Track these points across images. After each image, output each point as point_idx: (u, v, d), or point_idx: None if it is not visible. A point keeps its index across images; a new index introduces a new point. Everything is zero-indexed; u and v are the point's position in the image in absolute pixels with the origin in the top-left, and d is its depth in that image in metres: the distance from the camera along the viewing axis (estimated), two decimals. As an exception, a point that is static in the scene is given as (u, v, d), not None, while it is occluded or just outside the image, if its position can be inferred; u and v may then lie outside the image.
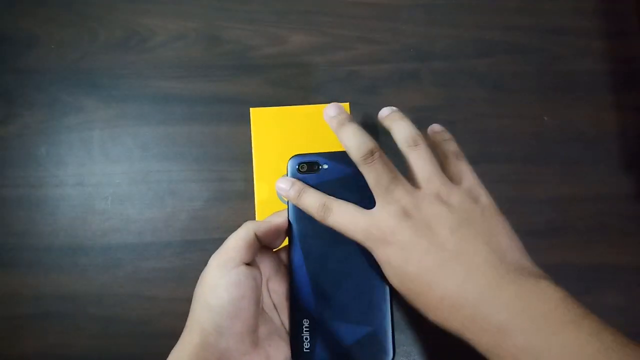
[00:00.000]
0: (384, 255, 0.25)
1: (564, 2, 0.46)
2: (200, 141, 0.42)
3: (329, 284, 0.27)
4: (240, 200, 0.41)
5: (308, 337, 0.27)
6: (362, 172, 0.26)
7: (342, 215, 0.26)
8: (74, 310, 0.39)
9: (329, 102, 0.39)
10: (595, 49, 0.45)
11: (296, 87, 0.43)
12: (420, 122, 0.43)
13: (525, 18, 0.45)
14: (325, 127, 0.38)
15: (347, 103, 0.39)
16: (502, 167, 0.42)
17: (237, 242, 0.26)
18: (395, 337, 0.38)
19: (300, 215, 0.28)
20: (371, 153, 0.25)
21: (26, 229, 0.40)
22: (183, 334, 0.26)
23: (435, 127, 0.31)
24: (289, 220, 0.28)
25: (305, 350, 0.27)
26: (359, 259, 0.27)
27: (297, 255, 0.28)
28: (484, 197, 0.26)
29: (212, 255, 0.26)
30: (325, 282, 0.27)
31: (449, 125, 0.43)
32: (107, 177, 0.41)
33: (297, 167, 0.28)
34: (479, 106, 0.43)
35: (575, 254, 0.41)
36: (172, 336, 0.37)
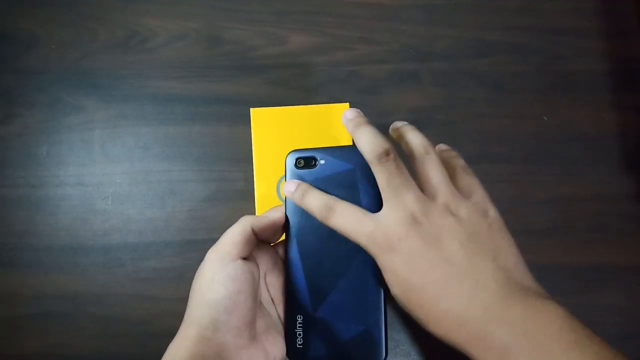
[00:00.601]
0: (388, 262, 0.24)
1: (564, 2, 0.46)
2: (200, 141, 0.42)
3: (324, 281, 0.27)
4: (240, 200, 0.41)
5: (301, 333, 0.27)
6: (374, 172, 0.26)
7: (346, 217, 0.25)
8: (74, 310, 0.39)
9: (329, 102, 0.40)
10: (595, 49, 0.45)
11: (296, 87, 0.43)
12: (421, 122, 0.43)
13: (525, 18, 0.45)
14: (325, 127, 0.39)
15: (347, 103, 0.39)
16: (502, 167, 0.42)
17: (233, 236, 0.26)
18: (395, 337, 0.38)
19: (298, 210, 0.28)
20: (386, 153, 0.25)
21: (26, 229, 0.40)
22: (180, 328, 0.26)
23: (441, 146, 0.31)
24: (286, 215, 0.28)
25: (298, 346, 0.27)
26: (356, 257, 0.27)
27: (294, 251, 0.28)
28: (492, 212, 0.26)
29: (209, 250, 0.27)
30: (321, 279, 0.27)
31: (449, 125, 0.43)
32: (107, 177, 0.41)
33: (294, 162, 0.28)
34: (479, 106, 0.43)
35: (575, 254, 0.41)
36: (172, 336, 0.37)
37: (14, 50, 0.43)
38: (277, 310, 0.28)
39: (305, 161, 0.28)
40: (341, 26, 0.44)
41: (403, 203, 0.24)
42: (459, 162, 0.29)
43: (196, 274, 0.26)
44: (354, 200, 0.26)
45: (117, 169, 0.41)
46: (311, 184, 0.28)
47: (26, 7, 0.44)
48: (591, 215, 0.42)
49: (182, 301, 0.40)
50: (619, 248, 0.41)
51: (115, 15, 0.44)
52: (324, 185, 0.27)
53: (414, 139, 0.28)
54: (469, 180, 0.27)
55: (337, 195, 0.27)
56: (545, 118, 0.43)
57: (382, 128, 0.43)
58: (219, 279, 0.25)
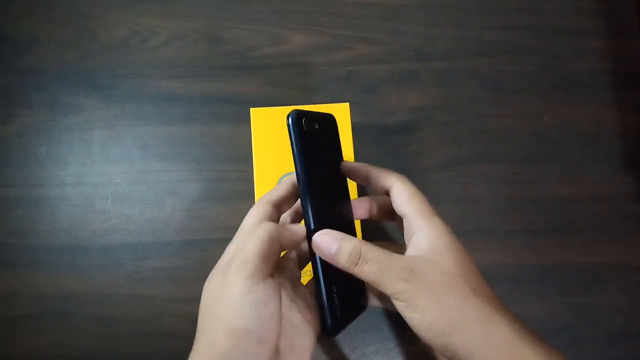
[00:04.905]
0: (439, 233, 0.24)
1: (564, 2, 0.46)
2: (200, 141, 0.42)
3: None
4: (240, 200, 0.41)
5: (337, 302, 0.25)
6: (411, 200, 0.25)
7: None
8: (74, 310, 0.39)
9: (329, 102, 0.40)
10: (595, 49, 0.45)
11: (296, 87, 0.43)
12: (421, 122, 0.43)
13: (525, 18, 0.45)
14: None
15: (347, 103, 0.39)
16: (502, 167, 0.42)
17: (260, 247, 0.22)
18: (394, 338, 0.38)
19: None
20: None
21: (26, 229, 0.40)
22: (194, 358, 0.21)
23: None
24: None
25: (338, 317, 0.25)
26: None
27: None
28: None
29: (231, 265, 0.22)
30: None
31: (449, 125, 0.43)
32: (107, 177, 0.41)
33: (302, 121, 0.26)
34: (479, 106, 0.43)
35: (576, 254, 0.41)
36: (172, 336, 0.37)
37: (14, 50, 0.43)
38: (311, 332, 0.25)
39: (309, 124, 0.26)
40: (341, 26, 0.44)
41: (439, 220, 0.24)
42: None
43: (211, 290, 0.22)
44: (337, 162, 0.28)
45: (116, 169, 0.41)
46: (317, 147, 0.26)
47: (26, 7, 0.44)
48: (591, 215, 0.42)
49: (182, 301, 0.40)
50: (619, 248, 0.41)
51: (115, 15, 0.44)
52: (317, 148, 0.27)
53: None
54: None
55: (324, 157, 0.27)
56: (546, 118, 0.43)
57: (383, 128, 0.44)
58: (249, 302, 0.21)
